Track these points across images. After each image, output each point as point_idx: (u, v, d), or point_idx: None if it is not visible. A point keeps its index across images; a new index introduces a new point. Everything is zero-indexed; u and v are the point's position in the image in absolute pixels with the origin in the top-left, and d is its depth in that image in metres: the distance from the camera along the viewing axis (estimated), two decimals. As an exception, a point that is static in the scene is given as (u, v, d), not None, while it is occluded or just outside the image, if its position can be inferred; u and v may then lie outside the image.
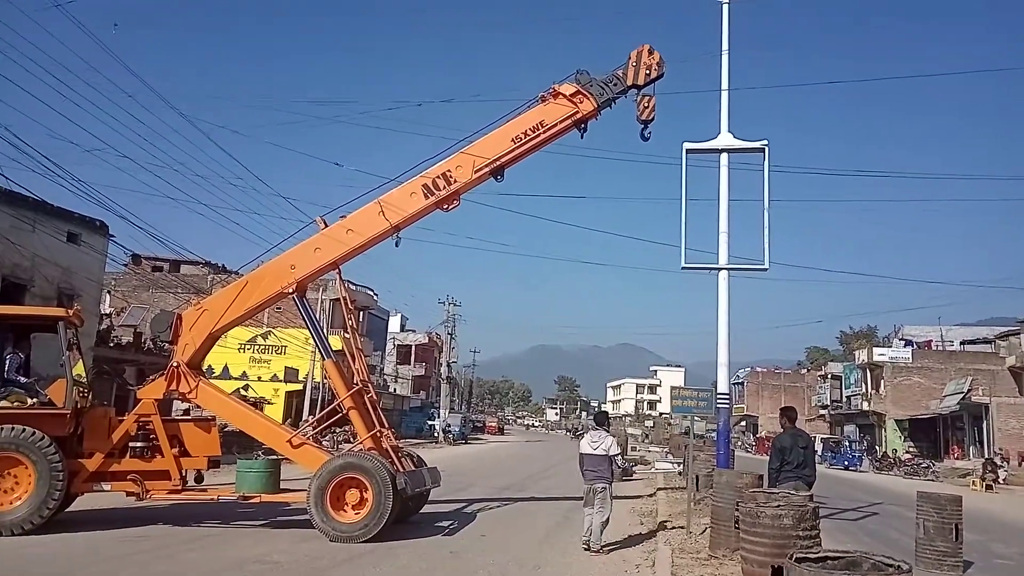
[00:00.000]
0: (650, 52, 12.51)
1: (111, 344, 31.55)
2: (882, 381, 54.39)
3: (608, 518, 10.38)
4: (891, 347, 57.65)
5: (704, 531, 10.80)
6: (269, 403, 37.64)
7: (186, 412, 21.21)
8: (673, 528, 12.10)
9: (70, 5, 17.74)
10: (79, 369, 11.44)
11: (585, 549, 10.14)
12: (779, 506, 5.93)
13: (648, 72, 12.49)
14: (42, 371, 11.90)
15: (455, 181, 12.04)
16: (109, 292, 39.25)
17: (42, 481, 9.93)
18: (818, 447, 49.61)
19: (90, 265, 26.37)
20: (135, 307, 41.19)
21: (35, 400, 10.64)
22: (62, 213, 24.49)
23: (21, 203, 22.15)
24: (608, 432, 10.82)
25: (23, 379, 10.89)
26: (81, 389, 11.15)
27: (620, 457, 10.39)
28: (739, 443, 60.88)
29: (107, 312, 38.22)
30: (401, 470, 11.05)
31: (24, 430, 10.01)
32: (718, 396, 13.22)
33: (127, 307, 41.80)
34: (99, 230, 26.39)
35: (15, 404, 10.45)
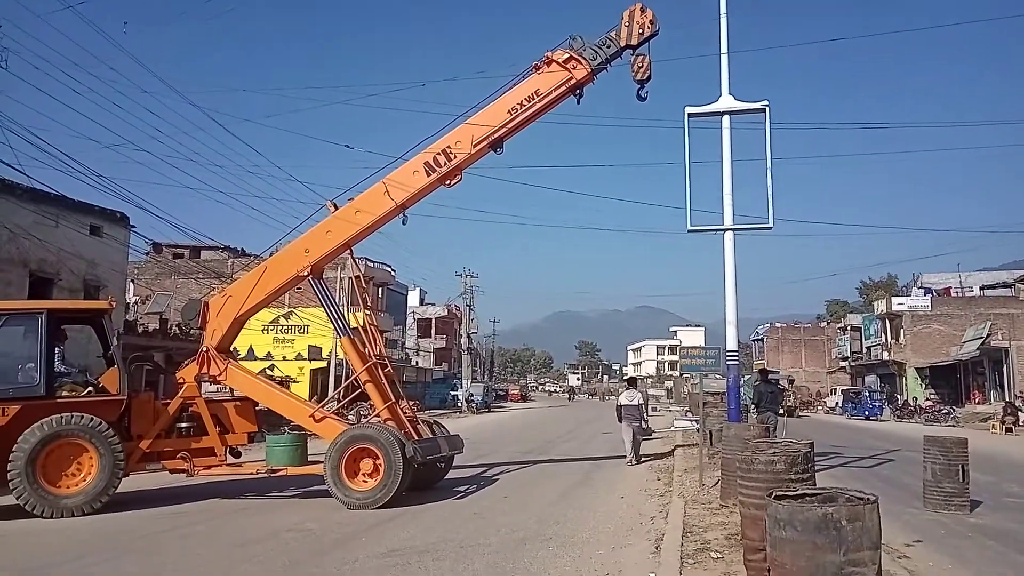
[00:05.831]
0: (642, 10, 12.53)
1: (138, 332, 32.33)
2: (901, 330, 54.34)
3: (641, 443, 16.99)
4: (910, 296, 57.50)
5: (716, 483, 11.22)
6: (295, 381, 38.33)
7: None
8: (687, 482, 12.52)
9: (82, 6, 18.05)
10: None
11: (629, 464, 15.60)
12: (773, 452, 6.29)
13: (641, 31, 12.50)
14: (73, 362, 12.46)
15: (455, 156, 12.26)
16: (133, 281, 40.07)
17: (105, 464, 10.47)
18: (838, 399, 50.08)
19: (113, 256, 27.02)
20: (159, 294, 42.04)
21: (90, 389, 11.17)
22: (83, 207, 25.06)
23: (43, 199, 22.74)
24: (638, 390, 17.32)
25: (75, 370, 11.49)
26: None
27: (646, 407, 17.16)
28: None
29: (132, 301, 39.07)
30: (415, 438, 11.51)
31: (90, 418, 10.53)
32: (727, 353, 13.54)
33: (151, 295, 42.64)
34: (120, 221, 26.99)
35: (72, 393, 10.97)
